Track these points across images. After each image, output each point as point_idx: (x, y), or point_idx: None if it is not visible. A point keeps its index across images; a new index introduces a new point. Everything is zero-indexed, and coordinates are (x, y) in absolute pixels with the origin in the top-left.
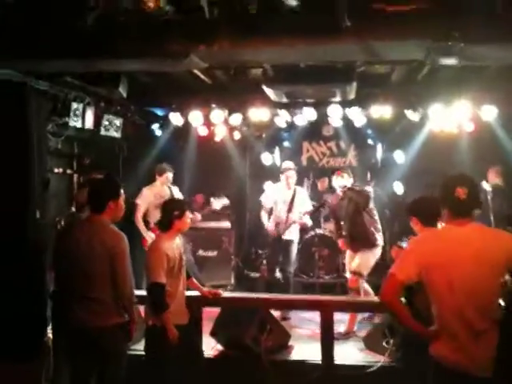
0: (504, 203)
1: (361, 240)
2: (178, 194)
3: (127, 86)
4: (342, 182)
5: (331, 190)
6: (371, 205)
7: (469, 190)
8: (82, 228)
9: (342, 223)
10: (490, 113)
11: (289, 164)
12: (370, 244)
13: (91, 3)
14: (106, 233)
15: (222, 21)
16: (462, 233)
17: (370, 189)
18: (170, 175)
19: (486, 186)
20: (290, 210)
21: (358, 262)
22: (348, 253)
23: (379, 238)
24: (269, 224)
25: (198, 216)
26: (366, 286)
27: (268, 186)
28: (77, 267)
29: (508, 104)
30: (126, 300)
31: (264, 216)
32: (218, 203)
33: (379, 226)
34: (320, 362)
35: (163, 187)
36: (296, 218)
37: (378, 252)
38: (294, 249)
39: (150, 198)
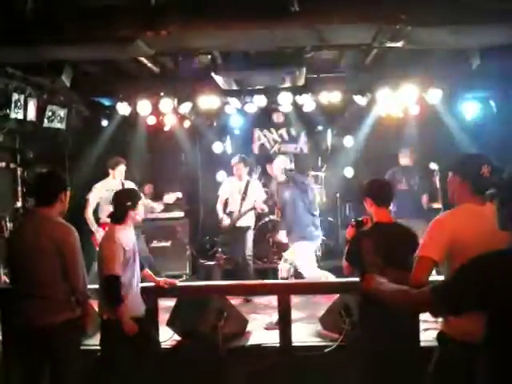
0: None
1: (297, 231)
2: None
3: (71, 75)
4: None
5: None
6: (310, 197)
7: (492, 169)
8: (27, 222)
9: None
10: (435, 96)
11: (235, 158)
12: (306, 237)
13: None
14: (55, 226)
15: (169, 6)
16: (485, 210)
17: (309, 180)
18: (122, 168)
19: (433, 166)
20: (243, 199)
21: (293, 251)
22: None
23: (316, 233)
24: (224, 216)
25: (160, 206)
26: (325, 273)
27: (222, 177)
28: (25, 263)
29: (452, 87)
30: (80, 294)
31: (219, 208)
32: (170, 198)
33: (317, 222)
34: (278, 345)
35: (116, 181)
36: (250, 206)
37: (314, 245)
38: (250, 235)
39: (101, 192)
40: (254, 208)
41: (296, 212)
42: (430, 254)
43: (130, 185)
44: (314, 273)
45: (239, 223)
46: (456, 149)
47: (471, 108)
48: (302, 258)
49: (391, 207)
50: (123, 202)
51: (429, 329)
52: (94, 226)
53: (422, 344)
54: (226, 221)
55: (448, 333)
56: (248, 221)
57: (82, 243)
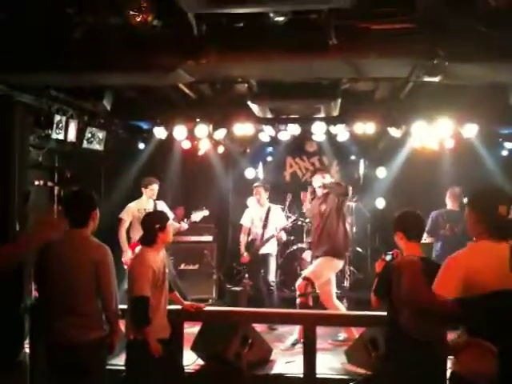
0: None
1: (325, 246)
2: (163, 209)
3: (112, 100)
4: (323, 181)
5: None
6: (348, 201)
7: (509, 207)
8: (65, 242)
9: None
10: (471, 130)
11: (257, 182)
12: (332, 252)
13: (78, 18)
14: (91, 246)
15: (209, 36)
16: (501, 249)
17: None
18: (155, 187)
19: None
20: (265, 226)
21: (312, 268)
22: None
23: (342, 252)
24: (245, 254)
25: (185, 225)
26: (337, 303)
27: (249, 202)
28: (61, 281)
29: (489, 122)
30: (112, 312)
31: (242, 239)
32: (198, 215)
33: (348, 242)
34: (302, 376)
35: (148, 201)
36: (271, 233)
37: (337, 265)
38: (273, 262)
39: (134, 212)
40: (273, 236)
41: (329, 223)
42: (441, 293)
43: (161, 205)
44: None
45: (261, 251)
46: (491, 185)
47: (507, 144)
48: (318, 276)
49: (435, 250)
50: (152, 225)
51: None
52: (124, 246)
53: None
54: (245, 255)
55: (459, 372)
56: (270, 248)
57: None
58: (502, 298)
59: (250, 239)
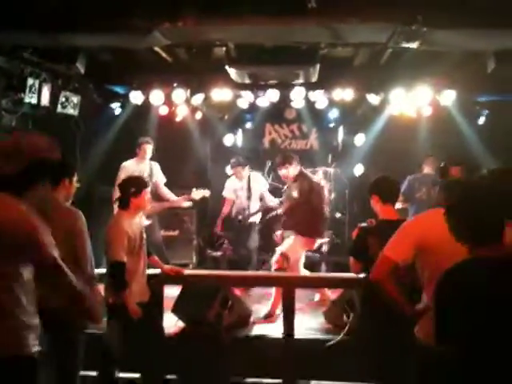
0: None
1: (298, 222)
2: (158, 171)
3: (86, 63)
4: (289, 172)
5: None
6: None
7: (465, 169)
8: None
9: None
10: (448, 97)
11: (232, 163)
12: (306, 232)
13: None
14: (62, 211)
15: None
16: None
17: (321, 181)
18: (148, 147)
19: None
20: (249, 197)
21: (288, 245)
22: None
23: (317, 234)
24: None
25: (187, 203)
26: (304, 271)
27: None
28: None
29: (466, 89)
30: (87, 276)
31: (225, 210)
32: (198, 194)
33: (324, 225)
34: (281, 337)
35: (143, 162)
36: (256, 201)
37: (308, 245)
38: (255, 229)
39: (128, 172)
40: (262, 208)
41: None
42: (389, 255)
43: (157, 167)
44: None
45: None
46: (467, 151)
47: (484, 112)
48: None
49: (411, 214)
50: (127, 189)
51: None
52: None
53: None
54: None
55: (419, 336)
56: (254, 217)
57: (99, 226)
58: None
59: (234, 212)
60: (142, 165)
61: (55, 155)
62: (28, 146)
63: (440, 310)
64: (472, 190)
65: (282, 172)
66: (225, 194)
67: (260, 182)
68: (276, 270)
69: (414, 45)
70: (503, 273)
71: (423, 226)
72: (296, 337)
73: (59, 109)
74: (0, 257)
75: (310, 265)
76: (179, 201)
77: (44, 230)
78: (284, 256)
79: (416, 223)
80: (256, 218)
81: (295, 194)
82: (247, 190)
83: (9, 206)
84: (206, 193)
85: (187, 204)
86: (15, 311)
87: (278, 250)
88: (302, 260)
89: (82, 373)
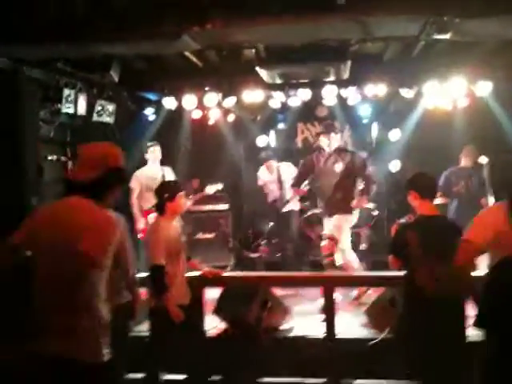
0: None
1: (340, 204)
2: (170, 175)
3: (119, 71)
4: (330, 142)
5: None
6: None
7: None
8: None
9: (314, 184)
10: (484, 88)
11: (262, 155)
12: (348, 209)
13: None
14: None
15: (214, 1)
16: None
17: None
18: (157, 149)
19: (483, 160)
20: (280, 187)
21: (333, 227)
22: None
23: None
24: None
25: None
26: (351, 258)
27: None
28: None
29: (503, 79)
30: (130, 280)
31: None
32: (211, 189)
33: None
34: (322, 337)
35: (155, 167)
36: (289, 190)
37: (352, 219)
38: (296, 219)
39: (141, 180)
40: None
41: (343, 181)
42: (471, 238)
43: (168, 171)
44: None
45: (284, 209)
46: (506, 143)
47: None
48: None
49: (450, 209)
50: (161, 195)
51: None
52: (137, 214)
53: (469, 339)
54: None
55: None
56: (291, 205)
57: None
58: None
59: (270, 201)
60: (155, 169)
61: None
62: (110, 156)
63: (488, 296)
64: None
65: (324, 141)
66: (259, 183)
67: (289, 171)
68: (326, 255)
69: (446, 36)
70: None
71: (496, 215)
72: (338, 336)
73: (95, 117)
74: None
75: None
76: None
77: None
78: (332, 240)
79: (490, 212)
80: (294, 206)
81: (338, 167)
82: (278, 182)
83: (97, 211)
84: (219, 186)
85: (224, 207)
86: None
87: (324, 234)
88: (349, 237)
89: (128, 375)
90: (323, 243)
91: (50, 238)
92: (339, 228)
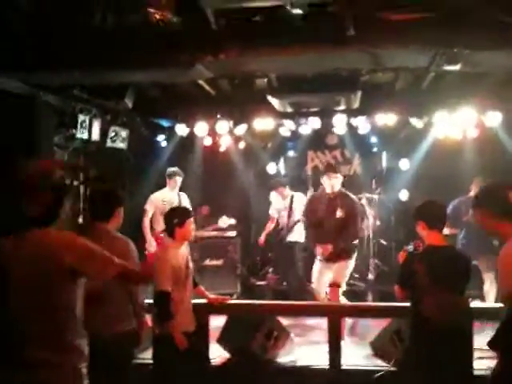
0: None
1: (343, 250)
2: (186, 202)
3: (133, 98)
4: (334, 182)
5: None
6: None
7: None
8: (88, 237)
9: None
10: (494, 119)
11: (273, 181)
12: (350, 255)
13: (98, 18)
14: (114, 240)
15: (227, 31)
16: None
17: (362, 200)
18: (178, 179)
19: None
20: (289, 215)
21: (341, 274)
22: (320, 263)
23: (355, 250)
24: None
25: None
26: (343, 300)
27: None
28: None
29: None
30: (137, 305)
31: (268, 226)
32: (224, 222)
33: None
34: (327, 368)
35: (172, 193)
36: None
37: (353, 263)
38: (299, 250)
39: (157, 203)
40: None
41: (346, 226)
42: None
43: (184, 197)
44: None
45: (288, 238)
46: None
47: None
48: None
49: (460, 239)
50: (171, 220)
51: (483, 357)
52: (148, 236)
53: (476, 373)
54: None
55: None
56: (296, 236)
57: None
58: None
59: (278, 229)
60: (172, 195)
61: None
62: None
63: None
64: None
65: (332, 181)
66: (270, 212)
67: (301, 201)
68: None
69: (456, 67)
70: None
71: None
72: (342, 367)
73: (109, 143)
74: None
75: (357, 294)
76: None
77: None
78: (338, 286)
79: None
80: (297, 238)
81: (339, 212)
82: (289, 209)
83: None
84: (232, 221)
85: (232, 234)
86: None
87: (331, 281)
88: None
89: None
90: (329, 290)
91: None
92: (345, 275)
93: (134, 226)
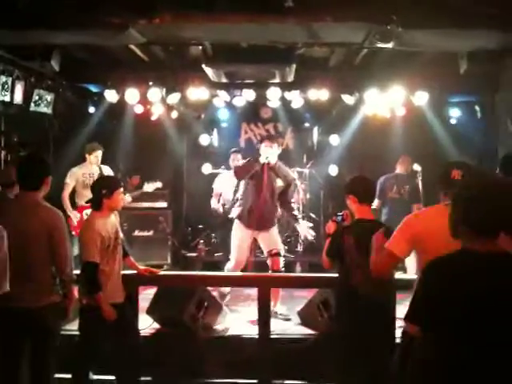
0: None
1: (270, 218)
2: (109, 173)
3: (60, 60)
4: (271, 152)
5: None
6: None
7: (465, 173)
8: (17, 206)
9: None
10: (421, 98)
11: (233, 149)
12: (275, 222)
13: None
14: (44, 211)
15: None
16: None
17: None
18: (99, 154)
19: (416, 167)
20: (235, 192)
21: (274, 241)
22: (244, 232)
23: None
24: (219, 206)
25: (128, 198)
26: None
27: (207, 170)
28: (15, 246)
29: (439, 90)
30: (66, 277)
31: (214, 201)
32: (150, 186)
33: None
34: (256, 337)
35: (93, 166)
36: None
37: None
38: None
39: (78, 176)
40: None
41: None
42: (392, 249)
43: (107, 170)
44: None
45: (231, 215)
46: (439, 151)
47: (456, 112)
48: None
49: (383, 214)
50: (99, 190)
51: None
52: (69, 210)
53: (398, 341)
54: (220, 210)
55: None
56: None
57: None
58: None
59: (221, 204)
60: (94, 167)
61: None
62: None
63: (421, 294)
64: (490, 185)
65: (269, 151)
66: (214, 186)
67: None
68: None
69: (389, 45)
70: (489, 267)
71: (423, 221)
72: (271, 336)
73: (32, 107)
74: None
75: (286, 265)
76: None
77: None
78: (278, 254)
79: (416, 218)
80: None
81: (279, 181)
82: (236, 185)
83: None
84: (158, 184)
85: (163, 204)
86: None
87: (277, 249)
88: None
89: (57, 375)
90: (273, 260)
91: None
92: (277, 240)
93: (57, 196)
